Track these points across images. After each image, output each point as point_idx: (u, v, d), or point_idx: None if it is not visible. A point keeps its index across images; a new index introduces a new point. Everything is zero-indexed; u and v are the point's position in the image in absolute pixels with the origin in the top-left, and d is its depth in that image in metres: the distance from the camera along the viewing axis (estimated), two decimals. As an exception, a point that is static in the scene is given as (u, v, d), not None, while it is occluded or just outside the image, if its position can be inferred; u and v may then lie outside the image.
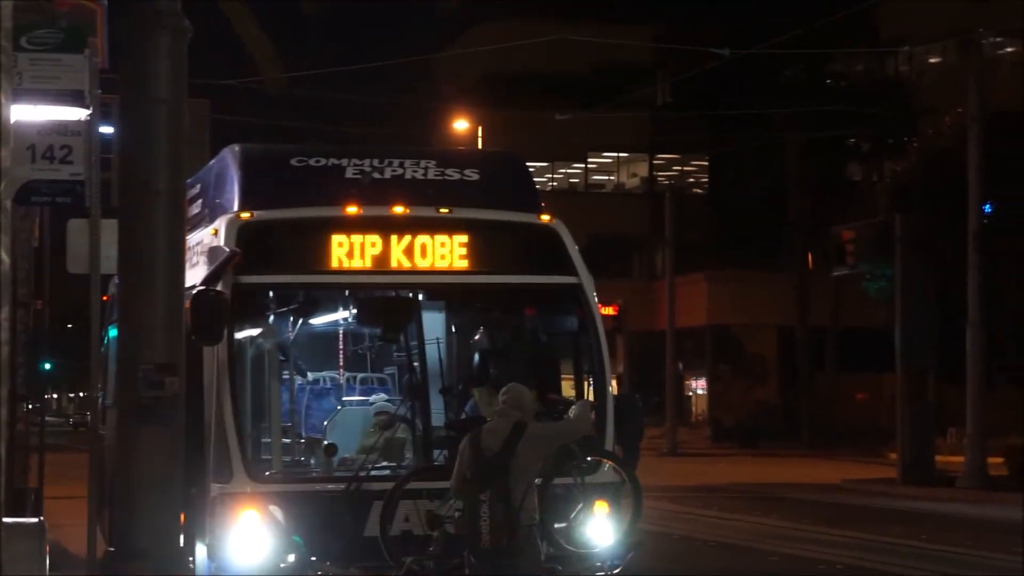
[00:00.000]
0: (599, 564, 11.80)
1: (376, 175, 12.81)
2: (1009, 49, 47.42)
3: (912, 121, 44.17)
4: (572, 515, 11.76)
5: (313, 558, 11.32)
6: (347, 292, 12.57)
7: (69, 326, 56.78)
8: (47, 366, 29.16)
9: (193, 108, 17.24)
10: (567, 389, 13.39)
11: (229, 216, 12.25)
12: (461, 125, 53.58)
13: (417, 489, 11.59)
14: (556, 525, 11.69)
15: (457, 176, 13.04)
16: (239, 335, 12.20)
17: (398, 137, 47.62)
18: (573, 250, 12.65)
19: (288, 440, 12.60)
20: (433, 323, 12.88)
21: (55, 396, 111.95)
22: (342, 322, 13.56)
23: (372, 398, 13.60)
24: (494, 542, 9.86)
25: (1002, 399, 37.95)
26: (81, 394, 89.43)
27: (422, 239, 12.30)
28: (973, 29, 33.82)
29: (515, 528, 9.83)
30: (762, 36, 39.03)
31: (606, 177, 65.90)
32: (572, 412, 10.92)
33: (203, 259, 12.35)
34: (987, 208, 33.17)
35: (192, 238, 13.01)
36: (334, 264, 12.15)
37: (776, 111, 48.73)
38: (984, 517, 26.26)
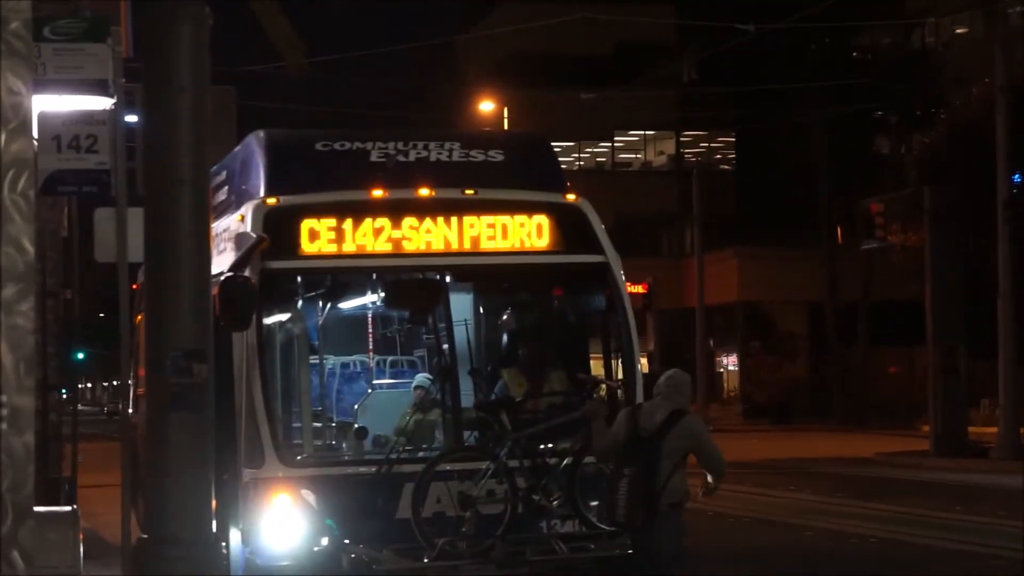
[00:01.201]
0: (631, 542, 11.79)
1: (401, 158, 12.83)
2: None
3: (940, 93, 43.90)
4: (603, 492, 11.76)
5: (346, 541, 11.36)
6: (374, 275, 12.59)
7: (101, 315, 57.01)
8: (80, 355, 29.30)
9: (218, 95, 17.27)
10: (596, 368, 13.40)
11: (255, 202, 12.28)
12: (487, 107, 53.53)
13: (448, 471, 11.61)
14: (587, 503, 11.71)
15: (482, 157, 13.05)
16: (268, 320, 12.23)
17: (423, 120, 47.60)
18: (599, 229, 12.63)
19: (319, 424, 12.64)
20: (461, 305, 12.89)
21: (89, 385, 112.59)
22: (370, 305, 13.59)
23: (416, 376, 13.54)
24: (629, 518, 9.95)
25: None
26: (114, 382, 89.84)
27: (448, 221, 12.31)
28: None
29: (654, 507, 9.87)
30: (787, 11, 38.84)
31: (633, 155, 65.78)
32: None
33: (230, 245, 12.38)
34: (1016, 178, 32.98)
35: (219, 225, 13.05)
36: (361, 247, 12.17)
37: (802, 86, 48.53)
38: (1017, 488, 26.15)
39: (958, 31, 50.91)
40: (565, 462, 11.76)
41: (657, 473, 9.93)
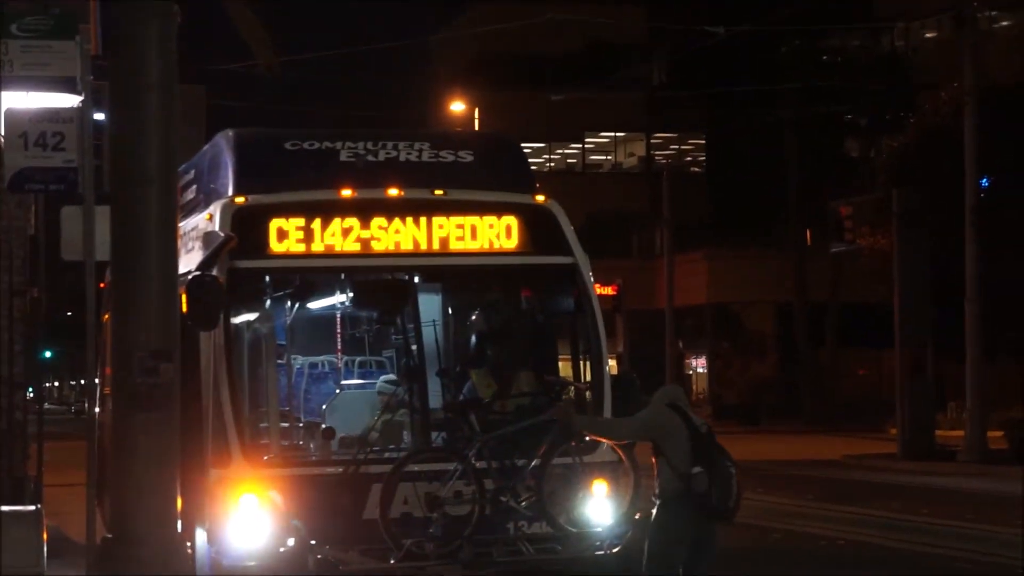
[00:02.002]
0: (598, 543, 11.81)
1: (370, 158, 12.81)
2: (1004, 23, 47.33)
3: (909, 96, 44.10)
4: (571, 494, 11.78)
5: (313, 541, 11.33)
6: (343, 275, 12.56)
7: (68, 313, 56.78)
8: (47, 354, 29.16)
9: (188, 94, 17.22)
10: (564, 369, 13.39)
11: (223, 201, 12.25)
12: (457, 107, 53.52)
13: (416, 471, 11.60)
14: (554, 504, 11.71)
15: (451, 158, 13.04)
16: (235, 320, 12.20)
17: (394, 120, 47.56)
18: (568, 230, 12.64)
19: (286, 424, 12.60)
20: (430, 305, 12.88)
21: (56, 384, 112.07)
22: (339, 305, 13.55)
23: (379, 380, 13.56)
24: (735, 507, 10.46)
25: (1002, 372, 37.98)
26: (81, 381, 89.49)
27: (417, 221, 12.30)
28: (967, 3, 33.75)
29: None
30: (757, 13, 38.97)
31: (603, 157, 65.86)
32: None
33: (198, 244, 12.33)
34: (984, 182, 33.16)
35: (187, 223, 13.01)
36: (329, 247, 12.15)
37: (772, 88, 48.66)
38: (984, 491, 26.30)
39: (928, 35, 51.11)
40: (534, 463, 11.76)
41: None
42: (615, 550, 11.84)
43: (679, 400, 10.75)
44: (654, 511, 10.58)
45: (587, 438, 11.67)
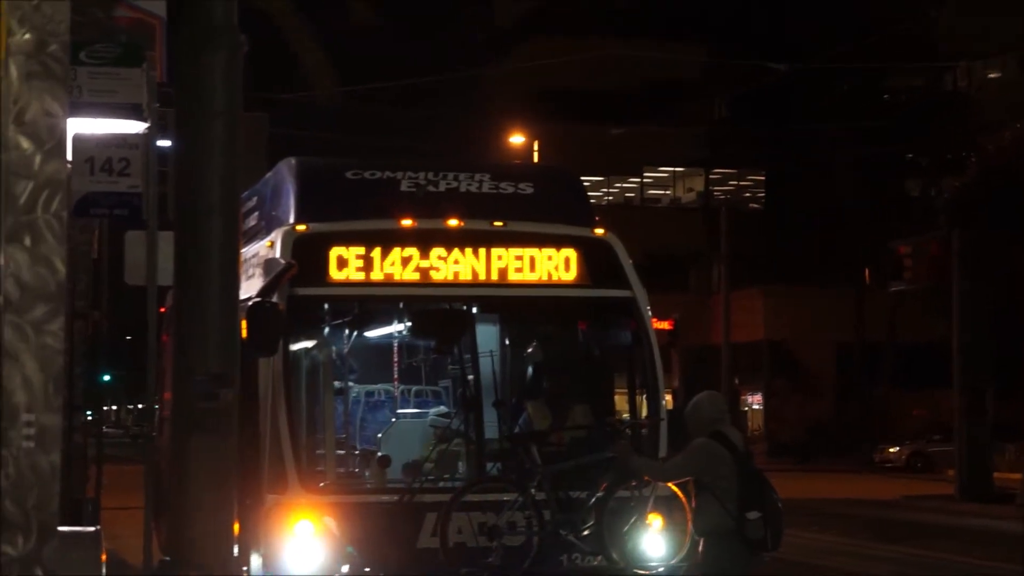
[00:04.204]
0: (652, 577, 11.78)
1: (431, 188, 12.86)
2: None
3: (971, 136, 43.88)
4: (627, 528, 11.76)
5: (367, 569, 11.36)
6: (401, 304, 12.61)
7: (128, 337, 57.20)
8: (106, 377, 29.38)
9: (251, 122, 17.37)
10: (621, 403, 13.38)
11: (285, 228, 12.33)
12: (517, 140, 53.65)
13: (475, 501, 11.61)
14: (612, 538, 11.69)
15: (511, 189, 13.07)
16: (294, 346, 12.26)
17: (453, 152, 47.72)
18: (627, 263, 12.64)
19: (342, 451, 12.64)
20: (487, 336, 12.89)
21: (115, 407, 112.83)
22: (396, 334, 13.60)
23: (431, 411, 13.59)
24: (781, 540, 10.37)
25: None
26: (139, 405, 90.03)
27: (476, 252, 12.33)
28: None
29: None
30: (819, 50, 38.87)
31: (662, 192, 65.81)
32: None
33: (259, 271, 12.42)
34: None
35: (248, 250, 13.11)
36: (388, 276, 12.20)
37: (833, 126, 48.53)
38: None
39: (991, 75, 50.85)
40: (595, 497, 11.75)
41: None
42: (669, 585, 11.79)
43: (721, 421, 10.63)
44: (700, 548, 10.52)
45: (644, 479, 11.66)
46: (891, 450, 49.87)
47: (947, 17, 44.50)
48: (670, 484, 11.56)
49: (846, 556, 21.76)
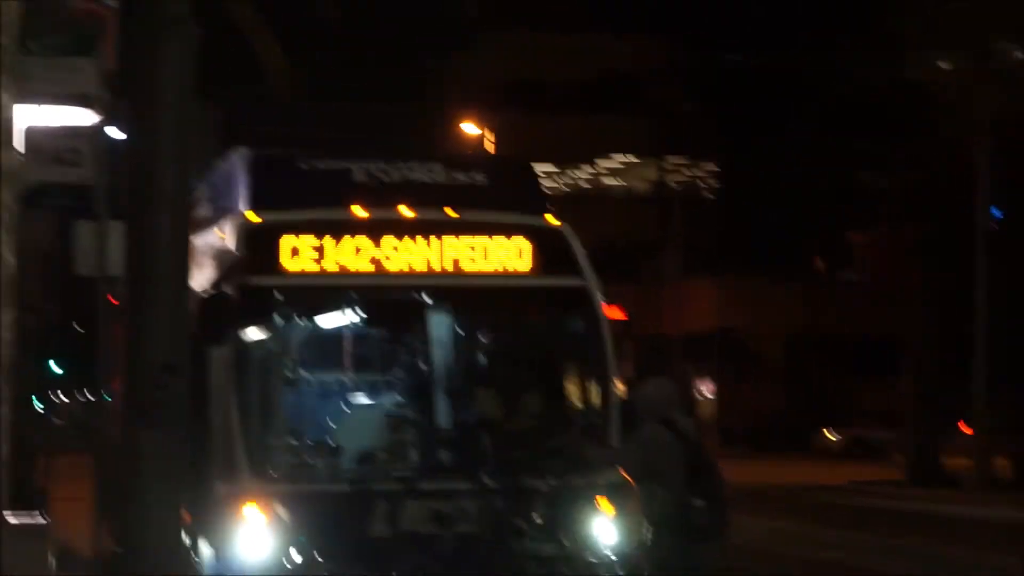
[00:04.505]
0: (605, 565, 11.83)
1: (384, 178, 12.86)
2: (1021, 56, 47.33)
3: (925, 128, 44.15)
4: (579, 516, 11.81)
5: (318, 558, 11.36)
6: (354, 294, 12.60)
7: (78, 328, 56.85)
8: (56, 368, 29.25)
9: (203, 113, 17.30)
10: (574, 392, 13.42)
11: (236, 218, 12.31)
12: (471, 129, 53.62)
13: (427, 490, 11.63)
14: (564, 526, 11.74)
15: (465, 179, 13.09)
16: (246, 337, 12.23)
17: (408, 141, 47.64)
18: (580, 253, 12.68)
19: (294, 441, 12.63)
20: (440, 325, 12.89)
21: (64, 399, 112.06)
22: (350, 324, 13.59)
23: (385, 401, 13.59)
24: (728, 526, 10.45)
25: (1009, 401, 37.96)
26: (90, 396, 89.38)
27: (430, 241, 12.35)
28: (985, 36, 33.85)
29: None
30: (774, 42, 39.06)
31: (615, 182, 65.93)
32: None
33: (211, 261, 12.40)
34: (997, 214, 33.20)
35: (200, 240, 13.06)
36: (341, 266, 12.19)
37: (787, 116, 48.75)
38: (988, 519, 26.26)
39: (944, 67, 51.12)
40: (547, 486, 11.78)
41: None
42: (620, 573, 11.85)
43: (670, 408, 10.67)
44: (648, 536, 10.58)
45: (598, 467, 11.71)
46: (830, 437, 50.29)
47: (904, 8, 44.72)
48: (621, 472, 11.61)
49: (796, 542, 21.92)
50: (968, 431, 36.77)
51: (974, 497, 30.82)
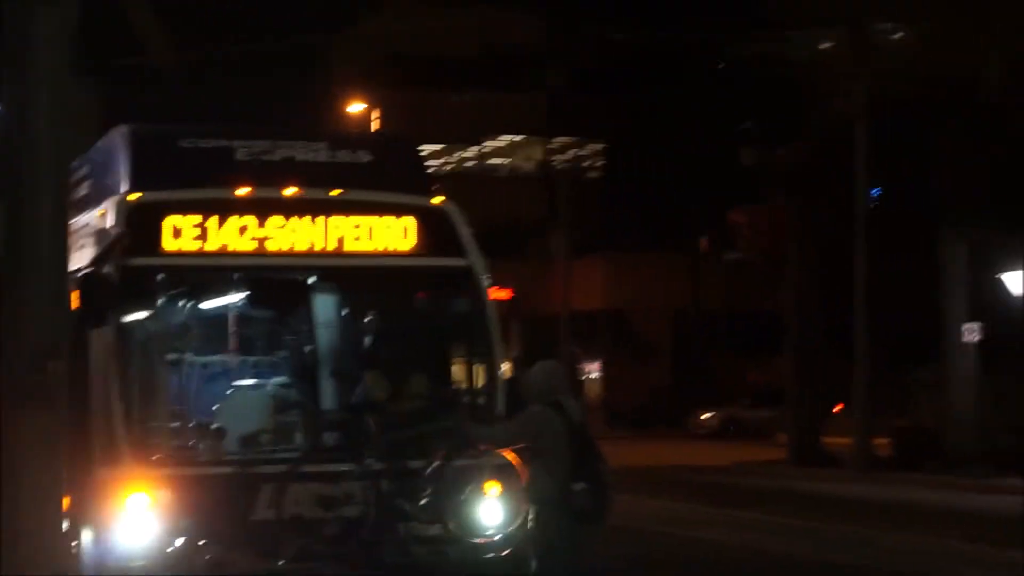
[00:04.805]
0: (489, 546, 11.84)
1: (267, 157, 12.74)
2: (898, 35, 48.06)
3: (802, 107, 44.68)
4: (463, 497, 11.80)
5: (202, 542, 11.25)
6: (237, 274, 12.47)
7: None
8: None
9: (82, 88, 16.98)
10: (459, 372, 13.40)
11: (117, 197, 12.13)
12: (356, 108, 53.36)
13: (310, 472, 11.56)
14: (449, 507, 11.73)
15: (349, 158, 13.01)
16: (127, 318, 12.06)
17: (292, 119, 47.32)
18: (465, 233, 12.66)
19: (177, 424, 12.49)
20: (324, 306, 12.82)
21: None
22: (233, 305, 13.46)
23: (270, 382, 13.48)
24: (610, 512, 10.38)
25: (889, 379, 38.60)
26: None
27: (313, 221, 12.26)
28: (862, 15, 34.30)
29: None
30: (659, 21, 39.25)
31: (502, 161, 65.99)
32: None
33: (90, 241, 12.20)
34: (875, 192, 33.70)
35: (80, 220, 12.85)
36: (224, 246, 12.07)
37: (671, 95, 49.11)
38: (868, 497, 26.71)
39: (822, 47, 51.73)
40: (431, 467, 11.77)
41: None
42: (505, 553, 11.86)
43: (558, 391, 10.71)
44: (531, 518, 10.61)
45: (483, 448, 11.71)
46: (704, 416, 50.82)
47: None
48: (506, 452, 11.62)
49: (679, 522, 22.11)
50: (837, 411, 37.50)
51: (855, 476, 31.31)
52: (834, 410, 38.36)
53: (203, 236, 12.02)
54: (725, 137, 52.67)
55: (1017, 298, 30.28)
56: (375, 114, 54.68)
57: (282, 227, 12.19)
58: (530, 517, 10.66)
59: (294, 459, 11.70)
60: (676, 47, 48.81)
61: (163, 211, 11.97)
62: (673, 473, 32.54)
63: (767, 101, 48.02)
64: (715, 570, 17.62)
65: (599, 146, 64.53)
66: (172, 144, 12.77)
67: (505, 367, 12.85)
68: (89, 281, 10.74)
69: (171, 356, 12.50)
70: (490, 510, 11.91)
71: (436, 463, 11.75)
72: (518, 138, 65.03)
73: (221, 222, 12.05)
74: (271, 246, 12.16)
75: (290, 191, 12.34)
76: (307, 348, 12.21)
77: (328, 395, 12.35)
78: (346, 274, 12.60)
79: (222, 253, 12.07)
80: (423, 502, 11.77)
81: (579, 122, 59.82)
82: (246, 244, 12.10)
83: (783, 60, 52.26)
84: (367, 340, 13.27)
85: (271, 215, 12.17)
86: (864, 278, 32.81)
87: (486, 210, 50.79)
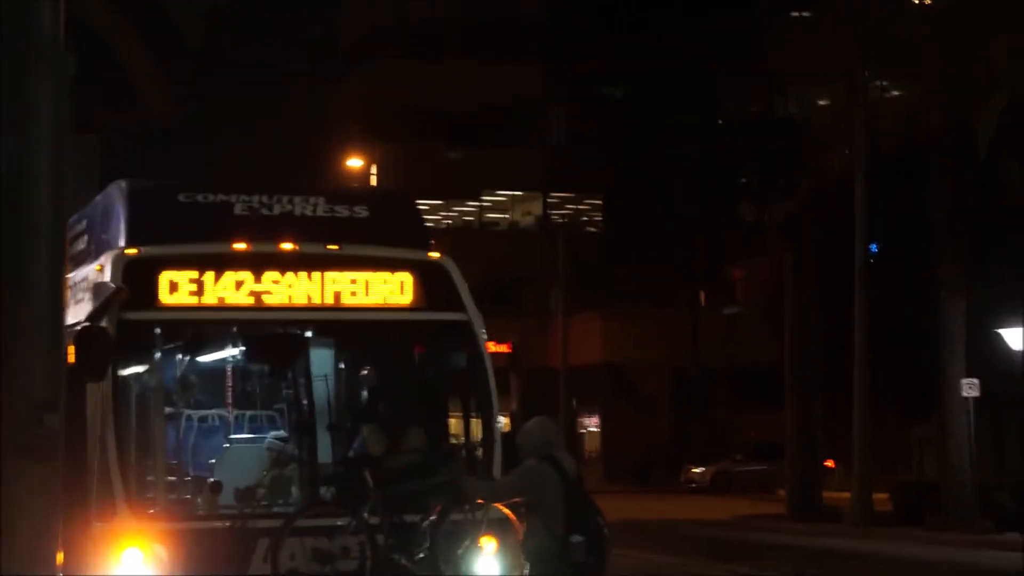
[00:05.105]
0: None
1: (265, 211, 12.78)
2: (895, 93, 48.30)
3: (801, 162, 44.83)
4: (461, 551, 11.77)
5: (198, 597, 11.21)
6: (234, 328, 12.49)
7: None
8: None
9: (81, 144, 17.05)
10: (456, 426, 13.40)
11: (115, 252, 12.16)
12: (354, 163, 53.50)
13: (307, 526, 11.54)
14: (446, 561, 11.70)
15: (347, 212, 13.05)
16: (124, 372, 12.08)
17: (291, 172, 47.45)
18: (462, 287, 12.68)
19: (173, 477, 12.47)
20: (322, 360, 12.83)
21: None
22: (230, 359, 13.47)
23: (267, 436, 13.47)
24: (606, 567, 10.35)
25: (888, 434, 38.55)
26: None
27: (311, 275, 12.29)
28: (859, 73, 34.48)
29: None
30: (657, 76, 39.43)
31: (500, 215, 66.09)
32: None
33: (88, 295, 12.22)
34: (873, 247, 33.76)
35: (78, 274, 12.89)
36: (221, 300, 12.09)
37: (669, 150, 49.26)
38: (867, 552, 26.60)
39: (821, 102, 51.94)
40: (428, 521, 11.75)
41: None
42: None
43: (553, 446, 10.73)
44: (527, 571, 10.59)
45: (479, 502, 11.70)
46: (695, 470, 50.77)
47: (779, 43, 45.38)
48: (501, 506, 11.61)
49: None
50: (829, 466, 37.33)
51: (855, 531, 31.19)
52: (825, 464, 38.31)
53: (200, 291, 12.05)
54: (723, 192, 52.86)
55: (1017, 353, 30.26)
56: (373, 168, 54.81)
57: (279, 281, 12.22)
58: (526, 571, 10.63)
59: (291, 513, 11.67)
60: (674, 102, 49.07)
61: (160, 266, 12.00)
62: (672, 527, 32.41)
63: (766, 156, 48.23)
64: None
65: (597, 201, 64.66)
66: (170, 199, 12.81)
67: (503, 421, 12.85)
68: (86, 335, 10.74)
69: (168, 410, 12.49)
70: (487, 564, 11.88)
71: (433, 517, 11.74)
72: (517, 193, 65.18)
73: (218, 276, 12.08)
74: (268, 300, 12.18)
75: (287, 245, 12.38)
76: (304, 402, 12.21)
77: (325, 449, 12.34)
78: (343, 328, 12.62)
79: (219, 307, 12.09)
80: (420, 556, 11.75)
81: (577, 177, 59.97)
82: (243, 298, 12.12)
83: (783, 115, 52.53)
84: (364, 394, 13.28)
85: (268, 269, 12.20)
86: (864, 331, 32.81)
87: (485, 265, 50.98)
